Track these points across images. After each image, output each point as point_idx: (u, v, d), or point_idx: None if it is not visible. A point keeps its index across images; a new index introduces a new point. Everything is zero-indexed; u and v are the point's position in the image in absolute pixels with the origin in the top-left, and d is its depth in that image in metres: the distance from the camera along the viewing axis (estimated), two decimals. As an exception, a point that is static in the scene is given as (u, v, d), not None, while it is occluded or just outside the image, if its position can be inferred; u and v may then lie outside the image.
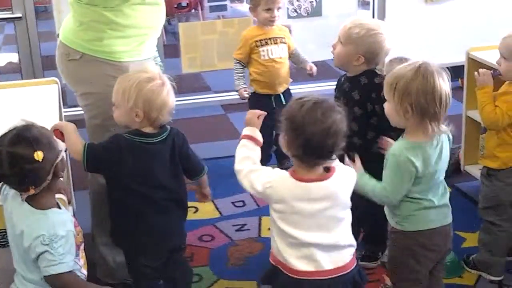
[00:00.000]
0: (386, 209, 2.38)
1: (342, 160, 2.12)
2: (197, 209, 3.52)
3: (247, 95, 3.84)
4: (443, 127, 2.26)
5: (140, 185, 2.35)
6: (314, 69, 3.88)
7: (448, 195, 2.39)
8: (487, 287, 2.87)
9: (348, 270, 2.05)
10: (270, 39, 3.77)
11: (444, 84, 2.21)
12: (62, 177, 1.98)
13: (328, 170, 2.02)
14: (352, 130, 2.68)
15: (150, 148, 2.35)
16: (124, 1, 2.56)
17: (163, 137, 2.38)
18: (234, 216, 3.44)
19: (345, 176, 2.06)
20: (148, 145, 2.35)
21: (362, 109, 2.70)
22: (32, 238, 1.85)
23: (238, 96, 4.90)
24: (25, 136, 1.86)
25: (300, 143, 1.95)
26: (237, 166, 2.10)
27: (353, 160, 2.35)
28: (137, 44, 2.67)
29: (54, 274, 1.87)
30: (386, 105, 2.29)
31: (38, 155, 1.83)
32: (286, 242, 2.01)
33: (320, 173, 2.00)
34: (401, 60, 3.39)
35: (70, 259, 1.90)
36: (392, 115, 2.27)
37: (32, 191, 1.87)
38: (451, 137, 2.36)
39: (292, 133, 1.96)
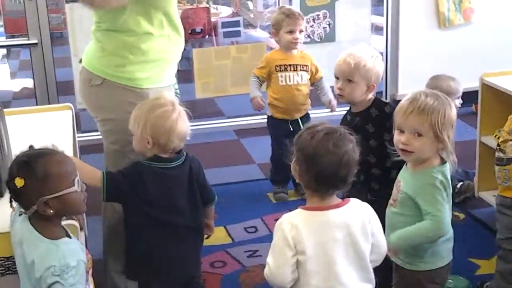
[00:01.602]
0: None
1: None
2: (208, 235, 3.50)
3: (262, 103, 3.81)
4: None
5: (160, 211, 2.35)
6: (334, 104, 3.85)
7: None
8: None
9: None
10: (290, 65, 3.78)
11: None
12: (64, 217, 1.95)
13: (342, 199, 2.01)
14: (370, 162, 2.69)
15: (169, 173, 2.36)
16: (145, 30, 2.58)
17: (181, 162, 2.39)
18: (246, 242, 3.42)
19: (360, 206, 2.02)
20: (167, 170, 2.36)
21: (377, 140, 2.68)
22: (43, 269, 1.84)
23: (251, 122, 4.97)
24: (24, 159, 1.87)
25: (312, 174, 1.93)
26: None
27: None
28: (158, 71, 2.68)
29: None
30: (418, 142, 2.22)
31: (18, 181, 1.84)
32: None
33: (336, 202, 1.98)
34: (449, 77, 3.44)
35: None
36: (428, 148, 2.22)
37: (26, 211, 1.88)
38: None
39: (304, 164, 1.94)
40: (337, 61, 2.74)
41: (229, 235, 3.51)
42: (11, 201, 1.91)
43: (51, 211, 1.85)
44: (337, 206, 1.97)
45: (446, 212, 2.22)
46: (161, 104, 2.34)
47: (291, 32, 3.75)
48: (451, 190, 2.26)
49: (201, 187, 2.47)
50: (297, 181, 2.01)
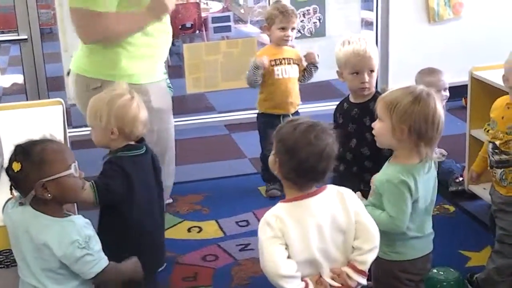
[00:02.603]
0: None
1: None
2: (201, 229, 3.52)
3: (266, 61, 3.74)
4: (435, 154, 2.28)
5: (144, 199, 2.38)
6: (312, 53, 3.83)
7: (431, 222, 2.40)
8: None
9: None
10: (284, 59, 3.79)
11: (441, 111, 2.24)
12: (59, 202, 1.96)
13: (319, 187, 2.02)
14: (364, 154, 2.70)
15: (142, 160, 2.41)
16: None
17: (146, 149, 2.43)
18: (238, 236, 3.43)
19: (339, 190, 2.03)
20: (139, 157, 2.40)
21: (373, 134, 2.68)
22: (66, 245, 1.89)
23: (242, 117, 4.97)
24: (20, 146, 1.93)
25: (292, 166, 1.94)
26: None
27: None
28: (150, 66, 2.70)
29: (99, 272, 1.94)
30: (377, 124, 2.29)
31: (15, 165, 1.89)
32: None
33: (314, 190, 1.99)
34: (431, 71, 3.44)
35: (103, 253, 1.98)
36: (384, 134, 2.27)
37: (25, 200, 1.93)
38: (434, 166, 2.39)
39: (285, 155, 1.95)
40: (351, 56, 2.68)
41: (221, 229, 3.52)
42: (11, 189, 1.95)
43: (49, 195, 1.89)
44: (315, 193, 1.98)
45: (404, 215, 2.24)
46: (119, 94, 2.36)
47: (283, 29, 3.75)
48: (418, 192, 2.25)
49: (160, 172, 2.53)
50: (275, 173, 2.01)
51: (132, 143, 2.39)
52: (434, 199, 2.37)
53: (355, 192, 2.31)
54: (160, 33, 2.72)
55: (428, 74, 3.46)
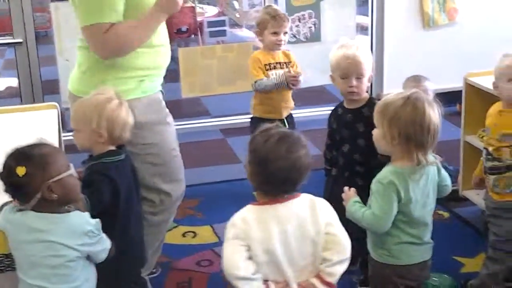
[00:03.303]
0: (368, 239, 2.40)
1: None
2: (195, 234, 3.52)
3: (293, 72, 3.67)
4: (430, 158, 2.28)
5: (127, 202, 2.39)
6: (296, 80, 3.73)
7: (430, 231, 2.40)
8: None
9: None
10: (277, 63, 3.77)
11: (433, 115, 2.23)
12: (62, 202, 1.97)
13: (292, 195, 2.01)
14: (355, 160, 2.70)
15: (123, 165, 2.42)
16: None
17: (125, 154, 2.44)
18: (232, 241, 3.43)
19: (312, 199, 2.02)
20: (121, 162, 2.41)
21: (366, 140, 2.68)
22: (82, 235, 1.95)
23: (237, 121, 4.96)
24: (19, 151, 1.94)
25: (263, 177, 1.95)
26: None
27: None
28: (137, 84, 2.70)
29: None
30: (374, 132, 2.31)
31: (20, 170, 1.88)
32: None
33: (285, 197, 1.99)
34: (415, 78, 3.46)
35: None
36: (380, 141, 2.29)
37: (26, 205, 1.93)
38: (447, 178, 2.40)
39: (256, 166, 1.96)
40: (341, 60, 2.69)
41: (216, 234, 3.52)
42: (13, 197, 1.96)
43: (55, 196, 1.91)
44: (285, 200, 1.98)
45: (387, 215, 2.26)
46: (109, 98, 2.38)
47: (276, 33, 3.73)
48: (409, 196, 2.26)
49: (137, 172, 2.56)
50: (248, 180, 2.03)
51: (114, 148, 2.40)
52: (433, 206, 2.37)
53: (349, 190, 2.34)
54: (154, 55, 2.74)
55: (412, 81, 3.47)
